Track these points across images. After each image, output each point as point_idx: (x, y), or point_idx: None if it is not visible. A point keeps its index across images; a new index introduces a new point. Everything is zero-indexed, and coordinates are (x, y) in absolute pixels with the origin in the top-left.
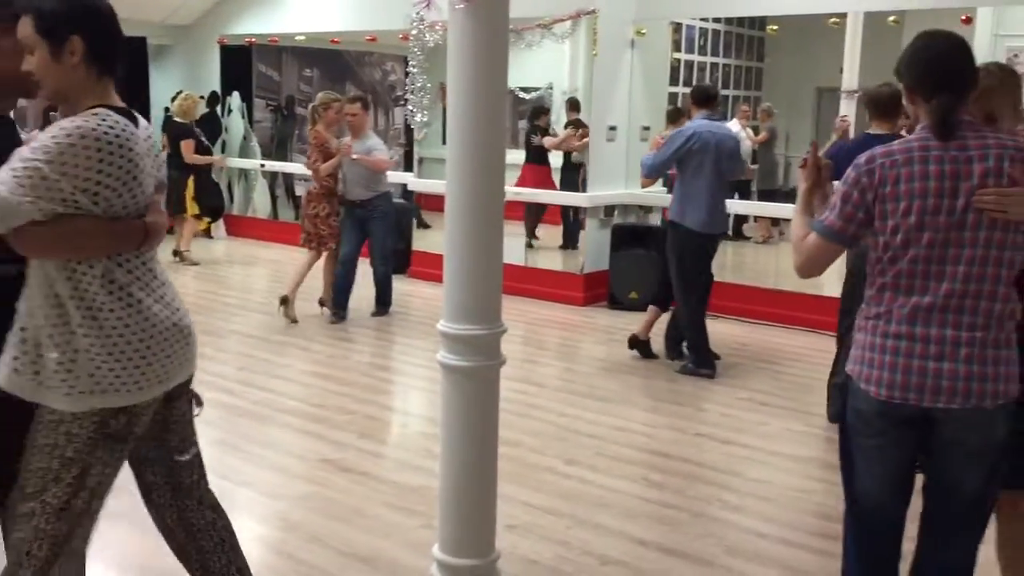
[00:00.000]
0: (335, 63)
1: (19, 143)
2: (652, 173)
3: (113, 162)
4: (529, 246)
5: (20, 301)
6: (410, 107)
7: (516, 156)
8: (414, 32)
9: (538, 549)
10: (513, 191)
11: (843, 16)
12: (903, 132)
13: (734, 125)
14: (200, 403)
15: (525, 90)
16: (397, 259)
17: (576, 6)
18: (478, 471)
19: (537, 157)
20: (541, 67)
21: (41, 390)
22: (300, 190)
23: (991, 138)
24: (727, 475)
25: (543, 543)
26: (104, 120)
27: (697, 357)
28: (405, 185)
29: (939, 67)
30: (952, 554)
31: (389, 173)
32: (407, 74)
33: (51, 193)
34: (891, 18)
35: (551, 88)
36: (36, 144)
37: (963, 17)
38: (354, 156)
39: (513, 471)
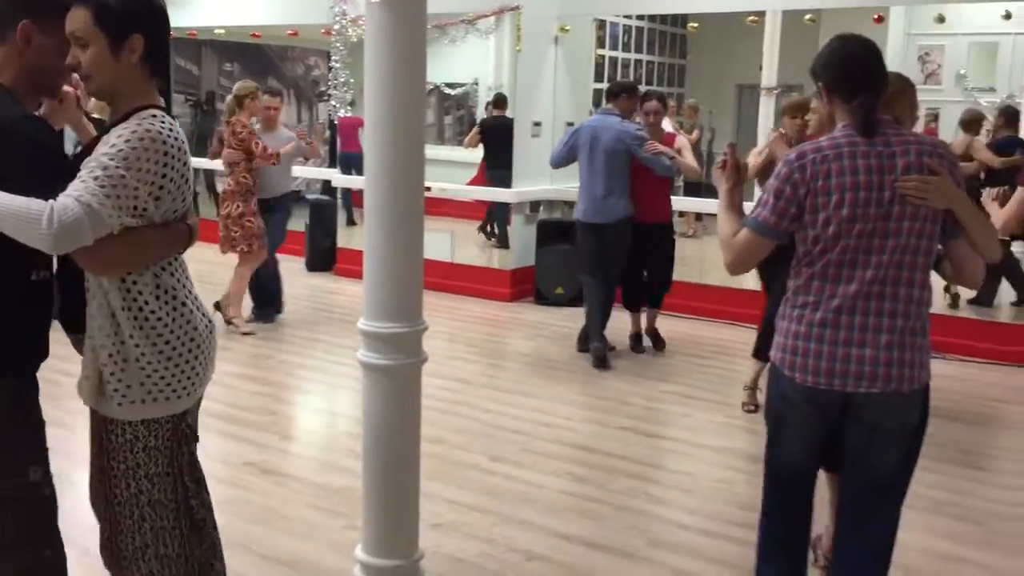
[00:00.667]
0: (257, 57)
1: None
2: (552, 164)
3: (174, 165)
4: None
5: (88, 318)
6: (333, 102)
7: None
8: (336, 27)
9: (463, 547)
10: (439, 187)
11: (761, 14)
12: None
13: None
14: None
15: (450, 86)
16: (322, 257)
17: (499, 2)
18: (401, 470)
19: None
20: (466, 63)
21: (103, 400)
22: (222, 186)
23: (910, 135)
24: (651, 468)
25: (468, 540)
26: (164, 121)
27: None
28: (329, 181)
29: (857, 69)
30: (871, 533)
31: (314, 170)
32: (330, 69)
33: (130, 202)
34: (807, 16)
35: (476, 84)
36: (109, 150)
37: (875, 16)
38: (308, 142)
39: (438, 469)
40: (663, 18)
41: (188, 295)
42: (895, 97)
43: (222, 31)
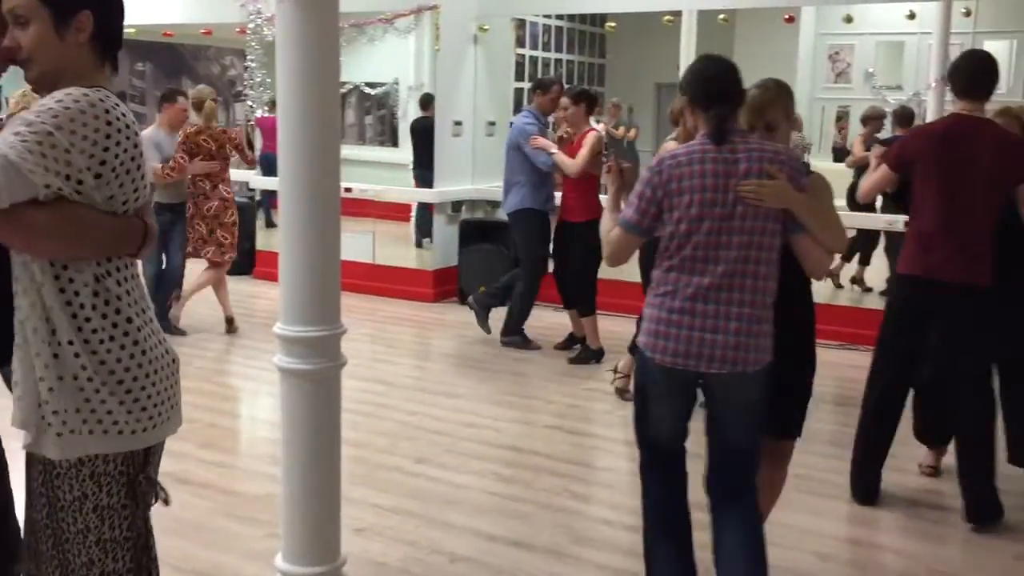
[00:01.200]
0: (170, 57)
1: None
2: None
3: (121, 141)
4: (419, 245)
5: (18, 324)
6: (250, 103)
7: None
8: (251, 26)
9: (386, 551)
10: (359, 188)
11: (678, 14)
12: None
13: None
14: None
15: (371, 85)
16: (241, 260)
17: (417, 1)
18: (321, 476)
19: None
20: (386, 62)
21: (41, 434)
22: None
23: (754, 144)
24: (575, 465)
25: (392, 544)
26: (109, 97)
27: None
28: (247, 183)
29: (714, 84)
30: (738, 499)
31: (232, 171)
32: (246, 69)
33: (59, 166)
34: (721, 16)
35: (397, 83)
36: (38, 108)
37: (786, 16)
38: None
39: (361, 473)
40: (582, 18)
41: (138, 313)
42: (769, 104)
43: (132, 30)
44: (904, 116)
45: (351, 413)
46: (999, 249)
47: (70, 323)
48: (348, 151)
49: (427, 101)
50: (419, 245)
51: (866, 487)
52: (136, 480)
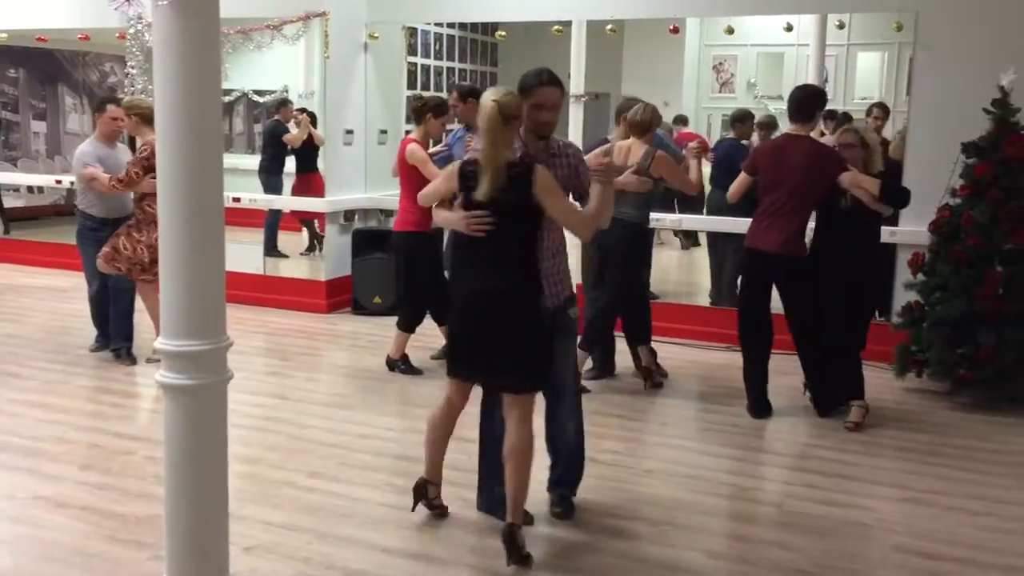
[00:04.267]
0: (45, 63)
1: None
2: None
3: None
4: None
5: None
6: None
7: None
8: (131, 31)
9: (277, 569)
10: (249, 198)
11: (567, 24)
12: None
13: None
14: None
15: (259, 92)
16: None
17: (305, 8)
18: (207, 494)
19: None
20: (275, 69)
21: None
22: (10, 202)
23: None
24: (469, 473)
25: (283, 562)
26: None
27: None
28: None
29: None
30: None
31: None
32: (127, 75)
33: None
34: (608, 27)
35: (287, 90)
36: None
37: (671, 27)
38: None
39: (252, 489)
40: (473, 27)
41: None
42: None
43: (4, 35)
44: (768, 123)
45: (241, 428)
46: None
47: None
48: (237, 160)
49: (281, 103)
50: (270, 253)
51: (759, 406)
52: None
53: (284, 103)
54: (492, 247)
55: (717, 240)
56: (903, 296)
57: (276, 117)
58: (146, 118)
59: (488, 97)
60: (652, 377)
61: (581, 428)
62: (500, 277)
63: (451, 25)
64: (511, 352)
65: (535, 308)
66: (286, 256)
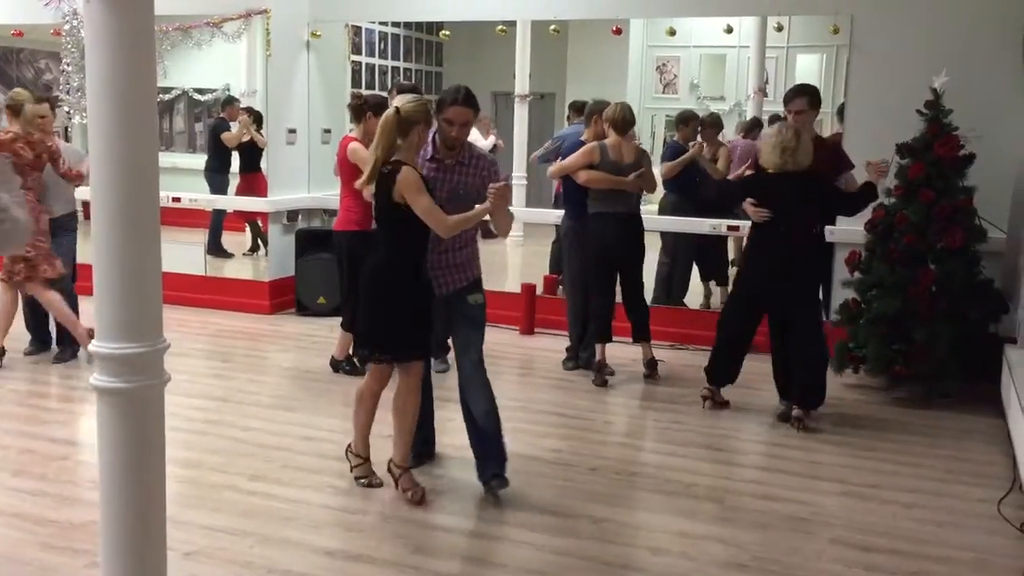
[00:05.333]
0: None
1: None
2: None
3: None
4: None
5: None
6: (67, 108)
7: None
8: (67, 27)
9: (217, 574)
10: (189, 198)
11: (512, 24)
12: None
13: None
14: None
15: (200, 91)
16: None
17: (246, 5)
18: (143, 499)
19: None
20: (216, 67)
21: None
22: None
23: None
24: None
25: (224, 567)
26: None
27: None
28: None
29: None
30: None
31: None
32: (63, 72)
33: None
34: (552, 27)
35: (228, 89)
36: None
37: (614, 28)
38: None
39: (192, 494)
40: (418, 26)
41: None
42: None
43: None
44: (714, 122)
45: (182, 432)
46: None
47: None
48: (177, 159)
49: (227, 101)
50: (215, 252)
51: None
52: None
53: (230, 101)
54: (379, 231)
55: (667, 240)
56: (841, 294)
57: (221, 115)
58: (13, 112)
59: (394, 104)
60: (603, 372)
61: (493, 410)
62: (376, 258)
63: (396, 24)
64: (364, 322)
65: (388, 284)
66: (231, 255)
